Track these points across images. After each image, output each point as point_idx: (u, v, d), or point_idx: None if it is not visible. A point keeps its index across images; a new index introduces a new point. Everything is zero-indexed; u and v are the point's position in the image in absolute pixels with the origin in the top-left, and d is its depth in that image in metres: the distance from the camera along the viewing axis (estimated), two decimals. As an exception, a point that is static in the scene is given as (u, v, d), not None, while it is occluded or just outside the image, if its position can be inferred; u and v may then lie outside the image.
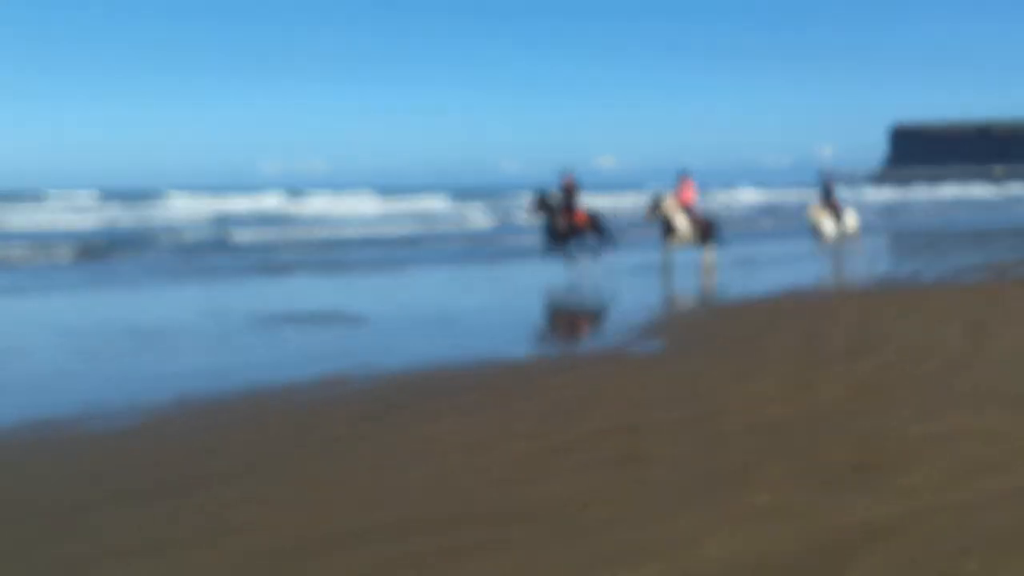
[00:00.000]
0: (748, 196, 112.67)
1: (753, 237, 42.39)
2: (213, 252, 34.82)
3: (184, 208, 67.14)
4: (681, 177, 25.49)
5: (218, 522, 6.43)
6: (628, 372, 11.44)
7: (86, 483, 7.35)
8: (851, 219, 30.05)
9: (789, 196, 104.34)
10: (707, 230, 25.35)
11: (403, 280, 21.13)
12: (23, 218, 53.30)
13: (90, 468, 7.78)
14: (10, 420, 9.41)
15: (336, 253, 33.28)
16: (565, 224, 24.97)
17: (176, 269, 27.59)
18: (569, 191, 25.40)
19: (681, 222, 24.84)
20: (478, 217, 60.35)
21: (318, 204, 72.12)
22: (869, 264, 26.58)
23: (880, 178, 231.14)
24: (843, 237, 30.04)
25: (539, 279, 22.28)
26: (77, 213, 57.43)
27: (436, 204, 76.37)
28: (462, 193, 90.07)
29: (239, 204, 69.13)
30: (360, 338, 14.57)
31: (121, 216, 56.73)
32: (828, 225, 27.74)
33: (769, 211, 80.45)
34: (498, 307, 17.98)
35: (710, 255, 24.88)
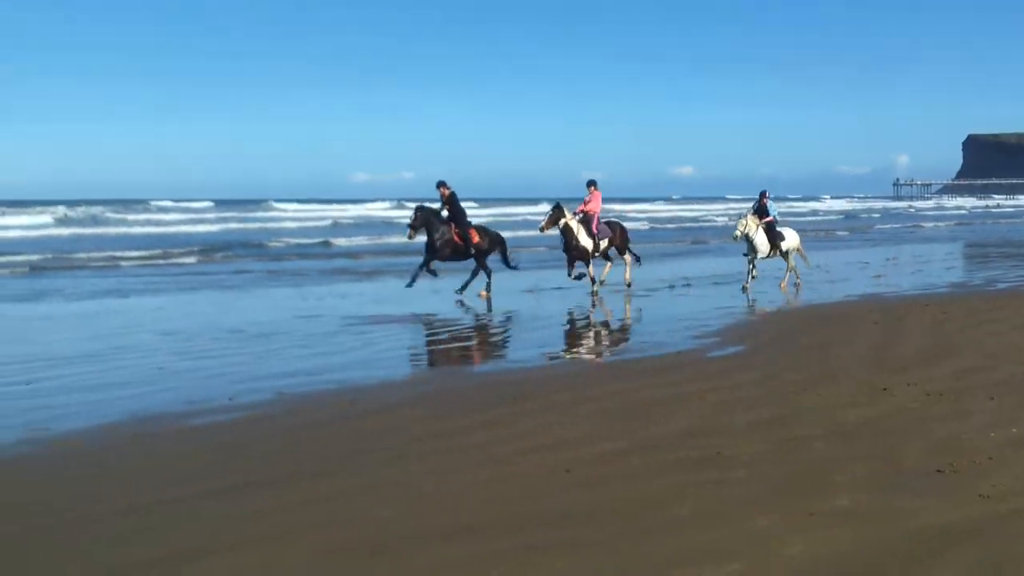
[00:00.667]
0: (829, 205, 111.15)
1: (831, 244, 41.70)
2: (316, 256, 35.36)
3: (291, 215, 68.39)
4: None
5: (308, 517, 6.42)
6: (708, 375, 11.25)
7: (183, 478, 7.39)
8: (791, 239, 23.48)
9: (868, 205, 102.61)
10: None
11: (493, 283, 21.11)
12: (147, 225, 54.85)
13: (189, 463, 7.83)
14: (117, 414, 9.56)
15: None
16: (449, 241, 20.70)
17: (281, 272, 28.02)
18: (448, 204, 20.88)
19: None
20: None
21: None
22: (944, 272, 25.95)
23: (953, 188, 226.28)
24: (789, 256, 23.39)
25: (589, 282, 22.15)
26: (195, 222, 58.63)
27: (539, 210, 77.56)
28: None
29: (343, 211, 70.04)
30: (439, 341, 14.56)
31: (234, 223, 57.95)
32: (761, 239, 22.47)
33: (848, 220, 79.26)
34: (579, 312, 17.88)
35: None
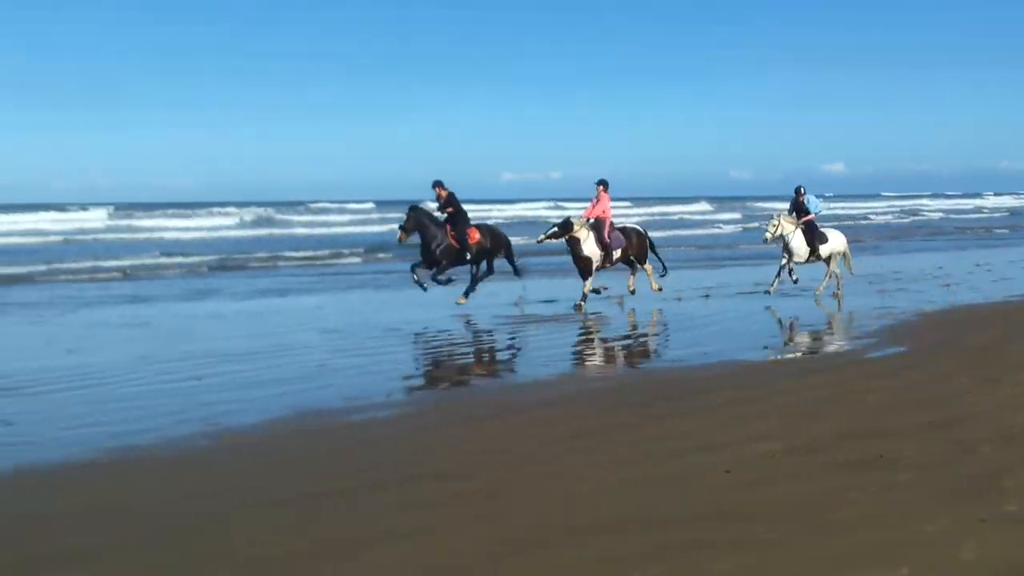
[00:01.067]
0: (994, 202, 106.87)
1: (988, 243, 40.06)
2: None
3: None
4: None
5: (469, 510, 6.47)
6: (870, 376, 10.93)
7: (346, 471, 7.54)
8: (835, 242, 20.75)
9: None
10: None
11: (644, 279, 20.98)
12: (312, 226, 56.72)
13: (350, 457, 7.99)
14: (281, 409, 9.84)
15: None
16: (447, 250, 18.66)
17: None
18: (445, 205, 18.98)
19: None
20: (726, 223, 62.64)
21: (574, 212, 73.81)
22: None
23: None
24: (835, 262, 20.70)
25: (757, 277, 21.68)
26: (358, 223, 60.21)
27: (695, 209, 77.77)
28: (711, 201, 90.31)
29: (500, 211, 70.85)
30: (593, 339, 14.53)
31: (395, 223, 58.97)
32: (798, 242, 19.96)
33: (1013, 217, 76.04)
34: (732, 313, 17.61)
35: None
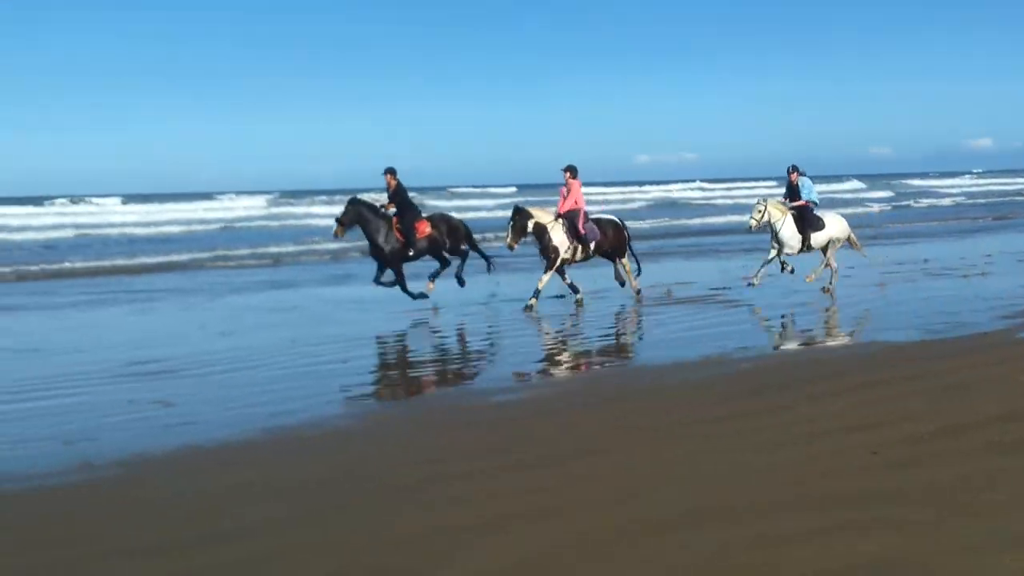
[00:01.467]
0: None
1: None
2: None
3: (590, 198, 69.77)
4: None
5: (607, 490, 6.46)
6: (1018, 357, 10.54)
7: (484, 450, 7.61)
8: (832, 228, 18.05)
9: None
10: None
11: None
12: (459, 212, 57.61)
13: (490, 436, 8.07)
14: (427, 390, 10.01)
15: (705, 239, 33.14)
16: (396, 250, 16.87)
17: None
18: (393, 196, 17.20)
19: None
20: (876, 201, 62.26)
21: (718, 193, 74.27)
22: None
23: None
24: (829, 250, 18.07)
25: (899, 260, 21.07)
26: (505, 207, 60.95)
27: (847, 187, 76.75)
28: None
29: (642, 193, 70.84)
30: (737, 321, 14.36)
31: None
32: (789, 231, 17.38)
33: None
34: (868, 293, 17.19)
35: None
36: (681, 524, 5.75)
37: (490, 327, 14.57)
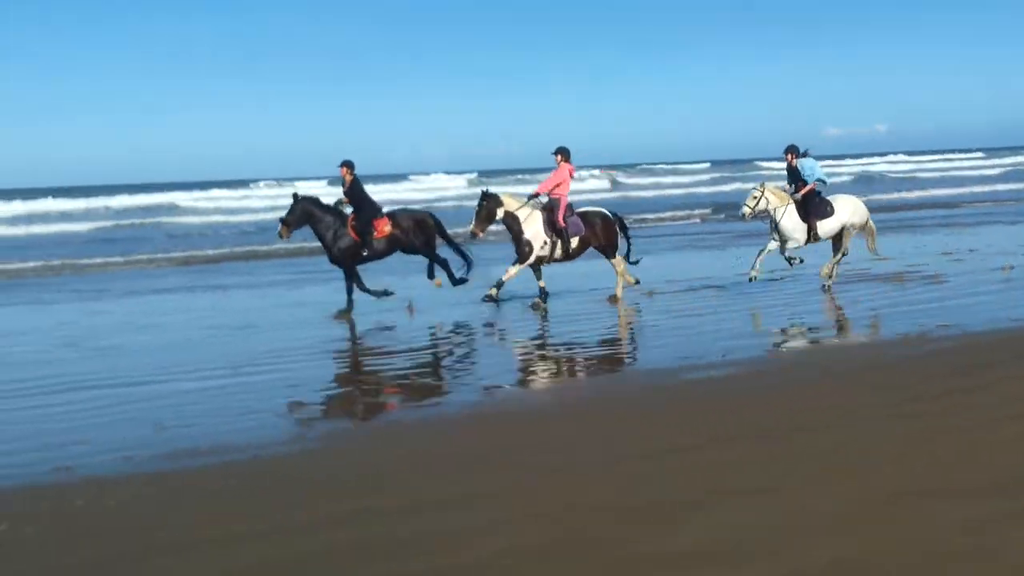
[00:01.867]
0: None
1: None
2: None
3: (779, 173, 69.00)
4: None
5: (822, 467, 6.32)
6: None
7: (690, 428, 7.56)
8: (843, 212, 15.63)
9: None
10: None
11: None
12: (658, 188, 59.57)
13: (693, 414, 8.03)
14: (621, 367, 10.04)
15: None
16: (349, 247, 15.24)
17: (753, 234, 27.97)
18: (349, 191, 15.57)
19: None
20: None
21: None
22: None
23: None
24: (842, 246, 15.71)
25: None
26: (705, 183, 61.61)
27: None
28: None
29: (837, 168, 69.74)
30: (941, 298, 13.80)
31: (726, 184, 60.02)
32: (791, 221, 15.20)
33: None
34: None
35: None
36: (890, 504, 5.60)
37: (686, 306, 14.44)
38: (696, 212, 40.19)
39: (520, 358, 11.42)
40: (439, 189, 57.55)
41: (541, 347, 11.95)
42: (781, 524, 5.41)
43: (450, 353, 11.95)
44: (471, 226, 15.11)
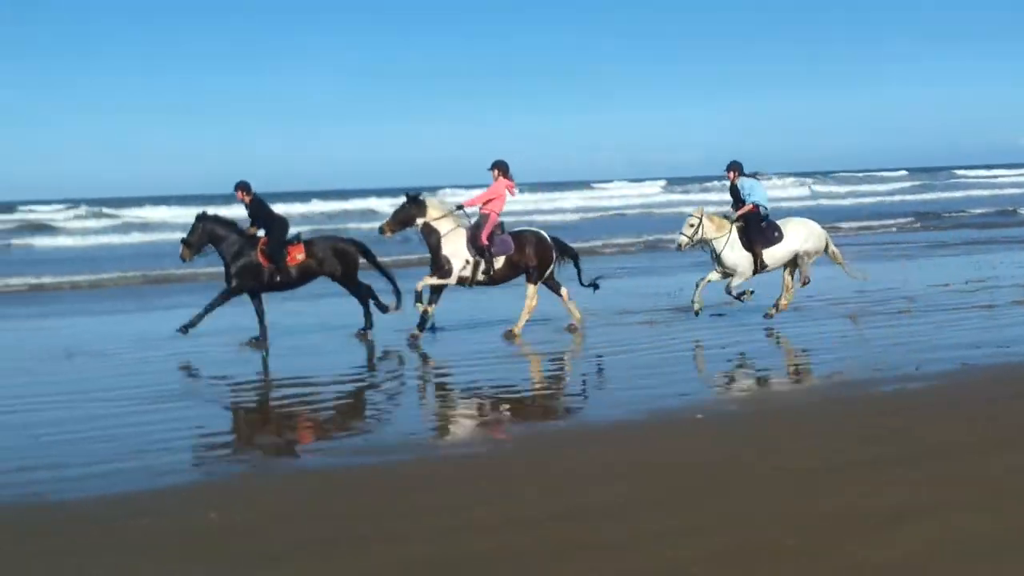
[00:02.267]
0: None
1: None
2: (998, 226, 35.63)
3: (975, 182, 67.77)
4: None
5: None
6: None
7: (873, 440, 7.43)
8: (794, 238, 13.79)
9: None
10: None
11: None
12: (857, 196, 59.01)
13: (872, 426, 7.86)
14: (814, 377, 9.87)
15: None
16: (253, 268, 13.78)
17: (952, 244, 27.05)
18: (253, 213, 14.15)
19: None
20: None
21: None
22: None
23: None
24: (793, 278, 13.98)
25: None
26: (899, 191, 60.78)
27: None
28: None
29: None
30: None
31: (922, 193, 58.81)
32: (735, 253, 13.42)
33: None
34: None
35: None
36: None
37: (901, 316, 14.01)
38: (898, 221, 40.01)
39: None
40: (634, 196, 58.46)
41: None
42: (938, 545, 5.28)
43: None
44: (382, 223, 14.05)
